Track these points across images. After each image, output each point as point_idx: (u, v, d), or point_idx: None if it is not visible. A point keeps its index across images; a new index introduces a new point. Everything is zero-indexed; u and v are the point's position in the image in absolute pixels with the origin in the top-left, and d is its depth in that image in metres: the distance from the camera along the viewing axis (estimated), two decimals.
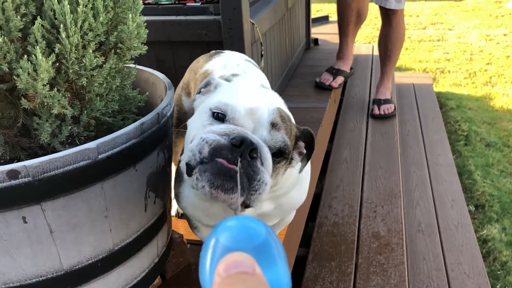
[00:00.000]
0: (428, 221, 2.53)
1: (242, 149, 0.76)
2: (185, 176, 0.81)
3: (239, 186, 0.76)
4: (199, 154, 0.77)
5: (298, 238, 1.86)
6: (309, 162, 1.07)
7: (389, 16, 2.84)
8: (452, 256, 2.27)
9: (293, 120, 0.97)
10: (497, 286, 2.29)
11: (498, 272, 2.37)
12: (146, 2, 2.09)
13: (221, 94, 0.92)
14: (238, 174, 0.75)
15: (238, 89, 0.94)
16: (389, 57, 3.01)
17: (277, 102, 0.95)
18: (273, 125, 0.85)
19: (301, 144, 0.96)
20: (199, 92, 1.00)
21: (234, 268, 0.42)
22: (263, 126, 0.84)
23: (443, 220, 2.55)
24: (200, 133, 0.82)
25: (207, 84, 0.99)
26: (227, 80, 1.17)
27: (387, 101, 3.12)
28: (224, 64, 1.30)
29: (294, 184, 1.03)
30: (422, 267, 2.20)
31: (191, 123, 0.92)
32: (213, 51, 1.44)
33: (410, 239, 2.37)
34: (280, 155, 0.86)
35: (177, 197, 1.06)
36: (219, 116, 0.85)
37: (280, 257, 0.47)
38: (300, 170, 1.01)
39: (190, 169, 0.79)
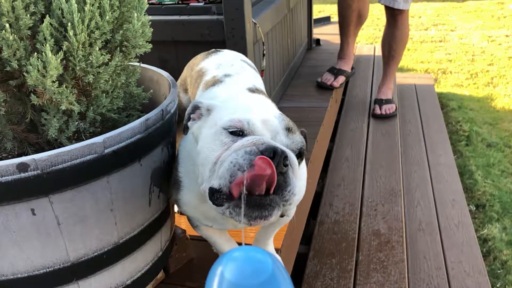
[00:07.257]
0: (429, 220, 2.54)
1: (276, 160, 0.76)
2: (210, 203, 0.81)
3: (243, 210, 0.76)
4: (230, 177, 0.76)
5: (299, 236, 1.88)
6: (304, 163, 1.09)
7: (395, 16, 2.86)
8: (453, 255, 2.29)
9: None
10: (497, 285, 2.30)
11: (498, 271, 2.38)
12: (150, 2, 2.12)
13: (226, 113, 0.89)
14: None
15: (242, 104, 0.93)
16: (393, 56, 3.03)
17: (275, 108, 0.97)
18: (289, 130, 0.87)
19: None
20: (188, 119, 0.96)
21: None
22: (279, 133, 0.86)
23: (444, 219, 2.56)
24: (226, 156, 0.80)
25: (195, 109, 0.96)
26: (220, 80, 1.19)
27: (388, 101, 3.14)
28: (219, 64, 1.31)
29: None
30: (422, 266, 2.21)
31: (203, 148, 0.87)
32: (212, 50, 1.46)
33: (411, 238, 2.38)
34: (299, 156, 0.87)
35: (176, 202, 1.08)
36: (237, 133, 0.84)
37: (287, 287, 0.47)
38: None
39: (214, 194, 0.79)
